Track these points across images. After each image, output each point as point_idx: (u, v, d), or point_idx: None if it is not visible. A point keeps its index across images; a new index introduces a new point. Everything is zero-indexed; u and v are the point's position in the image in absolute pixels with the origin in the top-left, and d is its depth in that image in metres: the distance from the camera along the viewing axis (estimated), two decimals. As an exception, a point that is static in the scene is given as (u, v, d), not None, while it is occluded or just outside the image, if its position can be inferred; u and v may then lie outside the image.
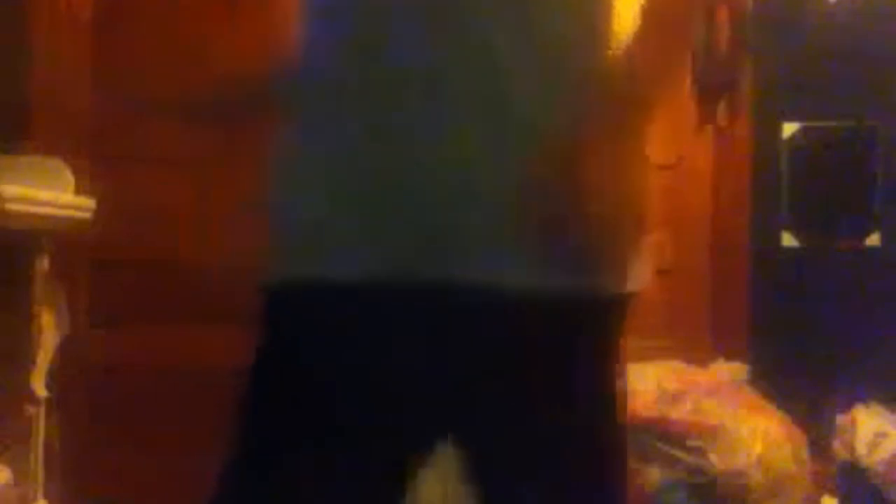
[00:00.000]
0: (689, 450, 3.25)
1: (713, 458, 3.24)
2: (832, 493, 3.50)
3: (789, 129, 3.96)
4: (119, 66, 3.95)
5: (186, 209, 3.88)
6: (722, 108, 3.81)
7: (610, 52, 1.40)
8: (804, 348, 3.82)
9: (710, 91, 3.75)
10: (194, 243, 3.81)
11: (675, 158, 3.89)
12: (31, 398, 3.10)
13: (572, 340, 1.38)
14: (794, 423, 3.41)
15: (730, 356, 3.66)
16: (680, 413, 3.29)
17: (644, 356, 3.35)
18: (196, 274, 3.69)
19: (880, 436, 3.37)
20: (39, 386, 3.11)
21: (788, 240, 3.96)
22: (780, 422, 3.38)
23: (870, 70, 3.88)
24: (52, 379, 3.20)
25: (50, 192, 3.09)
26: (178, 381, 3.80)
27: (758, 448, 3.28)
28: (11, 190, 2.86)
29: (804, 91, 3.93)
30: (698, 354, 3.68)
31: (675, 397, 3.32)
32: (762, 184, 3.96)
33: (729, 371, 3.55)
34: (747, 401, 3.42)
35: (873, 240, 3.94)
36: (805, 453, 3.37)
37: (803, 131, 3.96)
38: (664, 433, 3.26)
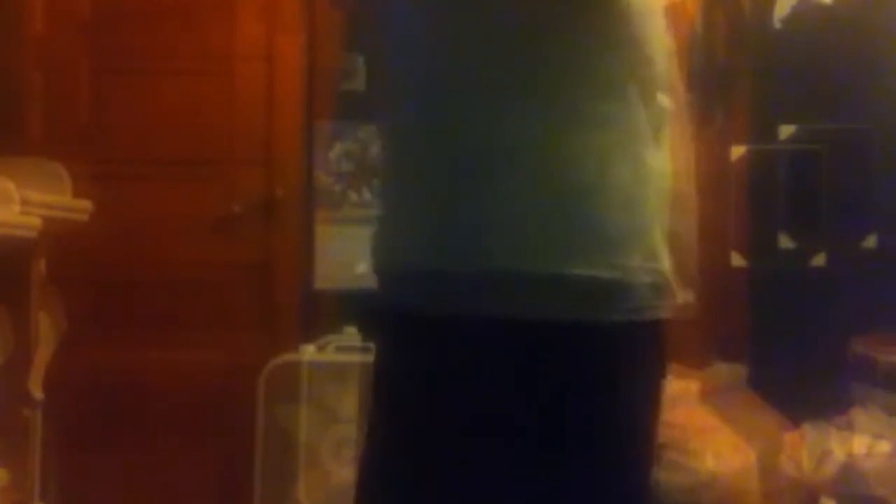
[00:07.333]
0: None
1: (663, 475, 3.24)
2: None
3: (786, 131, 3.97)
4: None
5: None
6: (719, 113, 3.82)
7: None
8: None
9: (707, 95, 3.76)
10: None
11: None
12: (28, 400, 3.10)
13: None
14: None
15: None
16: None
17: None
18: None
19: (826, 452, 3.38)
20: (36, 388, 3.11)
21: (785, 242, 3.97)
22: (730, 439, 3.38)
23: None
24: (49, 381, 3.21)
25: (49, 195, 3.10)
26: (174, 382, 3.81)
27: (709, 465, 3.28)
28: (10, 191, 2.86)
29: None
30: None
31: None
32: (759, 187, 3.97)
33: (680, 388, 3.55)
34: (696, 418, 3.42)
35: (870, 241, 3.95)
36: (755, 470, 3.37)
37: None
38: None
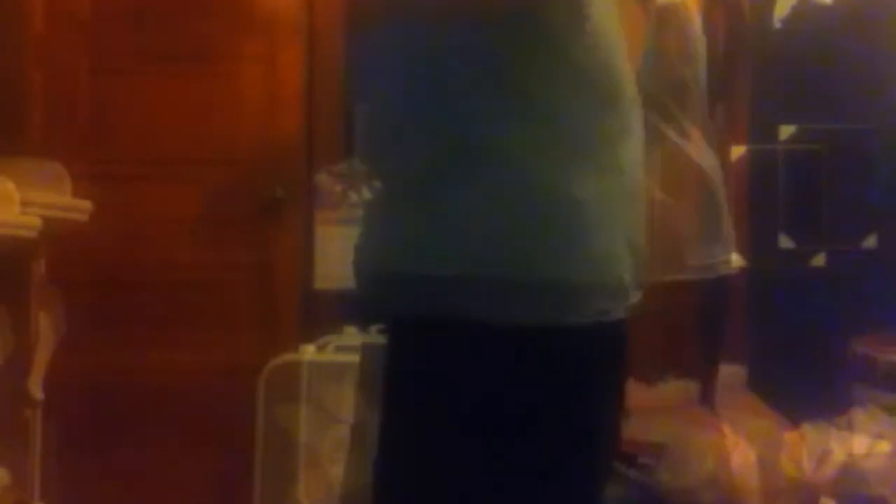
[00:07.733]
0: (640, 467, 3.25)
1: (664, 475, 3.24)
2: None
3: (786, 131, 3.97)
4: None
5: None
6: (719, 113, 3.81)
7: None
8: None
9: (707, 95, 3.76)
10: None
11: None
12: (28, 400, 3.10)
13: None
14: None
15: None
16: (628, 431, 3.28)
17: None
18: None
19: (826, 452, 3.38)
20: (36, 388, 3.11)
21: (785, 242, 3.97)
22: (730, 439, 3.38)
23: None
24: (49, 381, 3.21)
25: (49, 195, 3.10)
26: (174, 382, 3.81)
27: (709, 465, 3.28)
28: (10, 191, 2.86)
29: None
30: (648, 372, 3.65)
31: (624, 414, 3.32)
32: (759, 187, 3.97)
33: (680, 388, 3.55)
34: (697, 418, 3.42)
35: (870, 241, 3.95)
36: (755, 470, 3.37)
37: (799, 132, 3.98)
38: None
